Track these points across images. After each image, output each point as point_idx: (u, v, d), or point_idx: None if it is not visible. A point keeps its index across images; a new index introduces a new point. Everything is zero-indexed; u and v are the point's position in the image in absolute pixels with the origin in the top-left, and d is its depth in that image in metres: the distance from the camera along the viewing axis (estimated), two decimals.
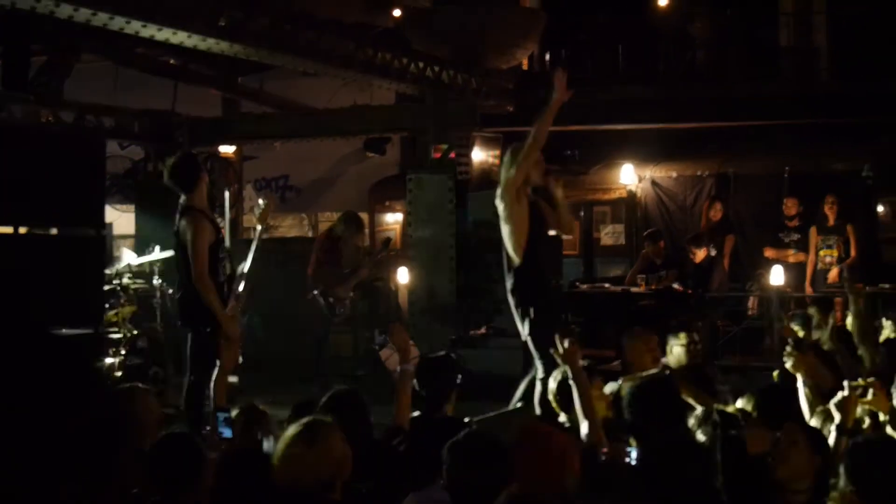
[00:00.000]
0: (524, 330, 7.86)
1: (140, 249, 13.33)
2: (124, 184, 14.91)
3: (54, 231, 7.66)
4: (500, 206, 7.69)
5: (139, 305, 11.63)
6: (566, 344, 5.46)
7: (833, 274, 12.94)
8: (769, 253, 13.33)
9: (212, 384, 5.98)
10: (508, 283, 7.93)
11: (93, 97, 14.64)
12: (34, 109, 13.21)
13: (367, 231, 15.58)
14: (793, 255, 13.28)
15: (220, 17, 10.67)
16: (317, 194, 19.40)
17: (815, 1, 16.09)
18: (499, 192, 7.70)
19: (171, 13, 10.25)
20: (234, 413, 5.53)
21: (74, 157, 7.82)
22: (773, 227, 13.59)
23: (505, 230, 7.72)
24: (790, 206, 13.49)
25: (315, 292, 11.50)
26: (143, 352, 10.84)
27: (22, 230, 7.36)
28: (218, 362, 6.08)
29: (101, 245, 8.31)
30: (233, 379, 8.07)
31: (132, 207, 15.26)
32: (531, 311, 7.74)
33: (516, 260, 7.68)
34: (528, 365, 10.27)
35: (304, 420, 4.43)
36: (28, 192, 7.29)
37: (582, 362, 5.57)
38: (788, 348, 5.66)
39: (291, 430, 4.37)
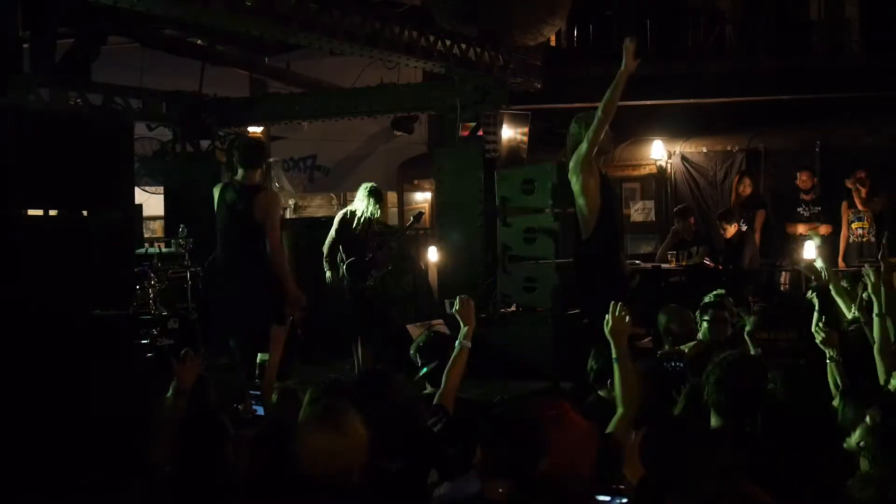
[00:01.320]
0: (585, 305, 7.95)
1: (169, 230, 13.41)
2: (153, 165, 14.92)
3: (84, 213, 7.67)
4: (573, 179, 7.70)
5: (170, 287, 11.70)
6: (617, 315, 5.18)
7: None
8: (801, 229, 13.27)
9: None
10: (575, 258, 7.98)
11: (120, 79, 14.65)
12: (62, 92, 13.25)
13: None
14: (824, 228, 13.24)
15: None
16: (345, 174, 19.39)
17: None
18: (571, 165, 7.71)
19: None
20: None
21: (102, 140, 7.83)
22: (792, 202, 13.56)
23: (579, 204, 7.72)
24: (805, 180, 13.46)
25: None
26: (174, 333, 10.89)
27: (52, 213, 7.39)
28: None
29: (130, 227, 8.34)
30: (263, 356, 8.17)
31: (161, 189, 15.30)
32: (592, 285, 7.77)
33: (585, 233, 7.68)
34: (559, 342, 10.31)
35: (322, 405, 4.41)
36: (57, 175, 7.31)
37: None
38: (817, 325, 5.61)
39: (311, 414, 4.36)
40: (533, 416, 4.39)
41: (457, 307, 5.67)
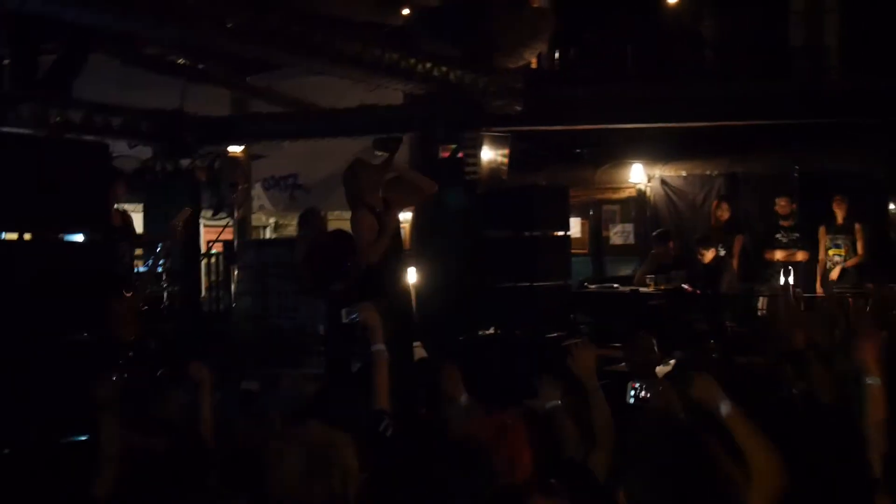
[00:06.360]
0: None
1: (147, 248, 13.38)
2: (133, 183, 14.89)
3: (60, 236, 7.66)
4: None
5: (149, 307, 11.66)
6: (581, 349, 5.13)
7: (834, 274, 12.98)
8: (779, 255, 13.34)
9: None
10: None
11: (101, 96, 14.62)
12: (42, 109, 13.23)
13: None
14: (801, 254, 13.32)
15: (229, 18, 10.67)
16: (326, 193, 19.35)
17: None
18: None
19: (180, 14, 10.23)
20: None
21: (78, 163, 7.81)
22: (771, 228, 13.62)
23: None
24: (783, 205, 13.53)
25: None
26: (152, 353, 10.85)
27: (27, 236, 7.38)
28: None
29: (106, 249, 8.31)
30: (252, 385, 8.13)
31: (140, 207, 15.27)
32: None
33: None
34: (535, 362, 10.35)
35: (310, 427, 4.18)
36: (33, 199, 7.31)
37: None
38: None
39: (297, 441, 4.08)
40: (482, 441, 4.37)
41: (358, 316, 5.60)
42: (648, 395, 5.25)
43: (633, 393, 5.00)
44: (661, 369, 7.76)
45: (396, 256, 9.04)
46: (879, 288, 11.15)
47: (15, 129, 12.39)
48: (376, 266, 8.38)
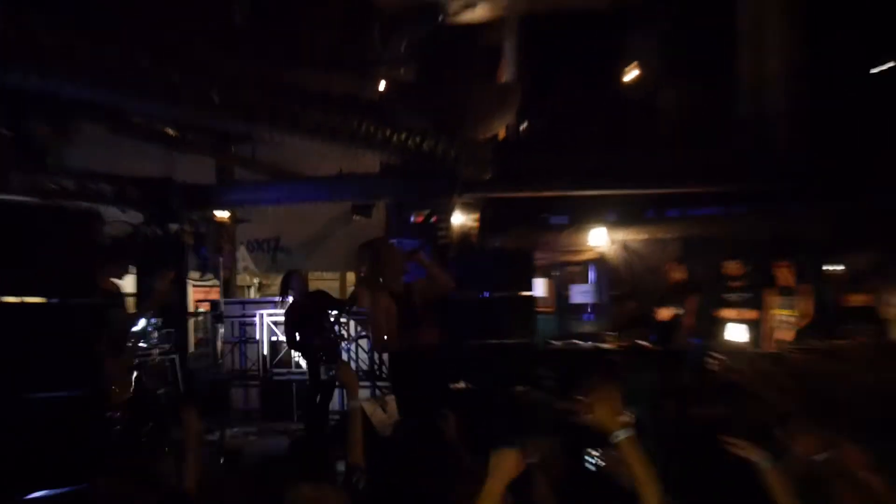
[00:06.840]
0: None
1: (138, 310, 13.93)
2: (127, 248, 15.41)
3: (54, 300, 7.77)
4: None
5: (138, 366, 12.18)
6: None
7: (790, 335, 13.39)
8: (730, 314, 13.83)
9: None
10: None
11: (92, 163, 15.20)
12: (36, 177, 13.69)
13: None
14: (753, 313, 13.81)
15: (211, 93, 11.26)
16: (307, 254, 19.93)
17: (772, 72, 16.53)
18: None
19: (164, 89, 10.83)
20: None
21: (72, 229, 8.10)
22: (722, 288, 14.12)
23: None
24: (734, 268, 13.88)
25: None
26: (139, 410, 11.32)
27: (27, 300, 7.57)
28: None
29: (97, 311, 8.37)
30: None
31: (132, 269, 15.82)
32: None
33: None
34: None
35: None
36: (29, 265, 7.63)
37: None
38: None
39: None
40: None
41: (336, 373, 5.84)
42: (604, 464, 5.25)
43: (592, 460, 5.13)
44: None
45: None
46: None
47: (9, 197, 12.86)
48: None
